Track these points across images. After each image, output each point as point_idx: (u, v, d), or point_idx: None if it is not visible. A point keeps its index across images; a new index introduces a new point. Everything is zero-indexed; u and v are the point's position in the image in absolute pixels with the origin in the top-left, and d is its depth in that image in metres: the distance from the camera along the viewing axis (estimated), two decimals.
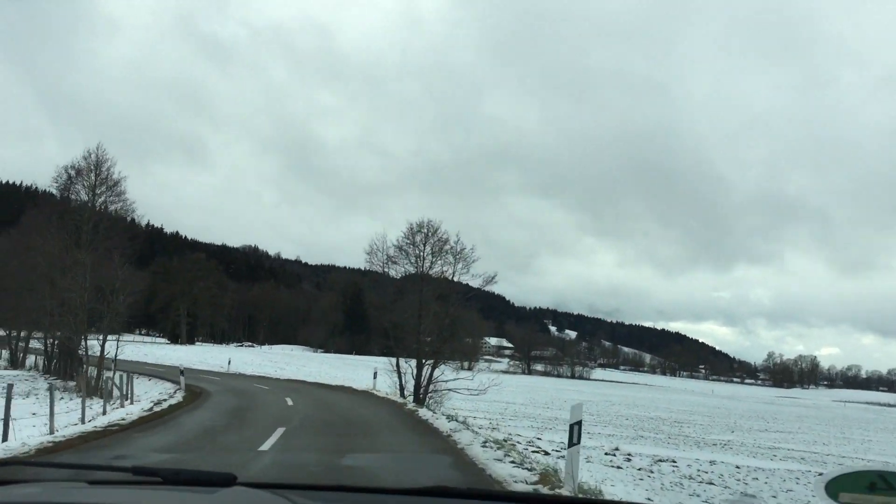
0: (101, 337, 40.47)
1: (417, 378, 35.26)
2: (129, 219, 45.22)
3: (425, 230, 36.23)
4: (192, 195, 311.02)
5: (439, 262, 36.14)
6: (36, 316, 41.54)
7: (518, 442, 25.54)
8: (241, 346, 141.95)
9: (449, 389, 35.15)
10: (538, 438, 30.08)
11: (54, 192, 41.96)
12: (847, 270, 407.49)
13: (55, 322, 39.49)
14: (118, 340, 38.17)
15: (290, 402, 24.82)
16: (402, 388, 35.53)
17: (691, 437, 43.00)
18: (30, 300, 40.24)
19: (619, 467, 21.97)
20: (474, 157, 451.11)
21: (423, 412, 22.25)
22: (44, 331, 45.69)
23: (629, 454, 27.54)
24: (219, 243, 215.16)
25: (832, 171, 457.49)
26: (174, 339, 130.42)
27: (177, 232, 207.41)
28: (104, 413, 22.46)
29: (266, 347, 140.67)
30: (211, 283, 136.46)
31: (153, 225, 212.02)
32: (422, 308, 35.73)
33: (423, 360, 35.58)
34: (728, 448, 37.00)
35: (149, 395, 31.21)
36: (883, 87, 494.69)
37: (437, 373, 35.24)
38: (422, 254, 36.18)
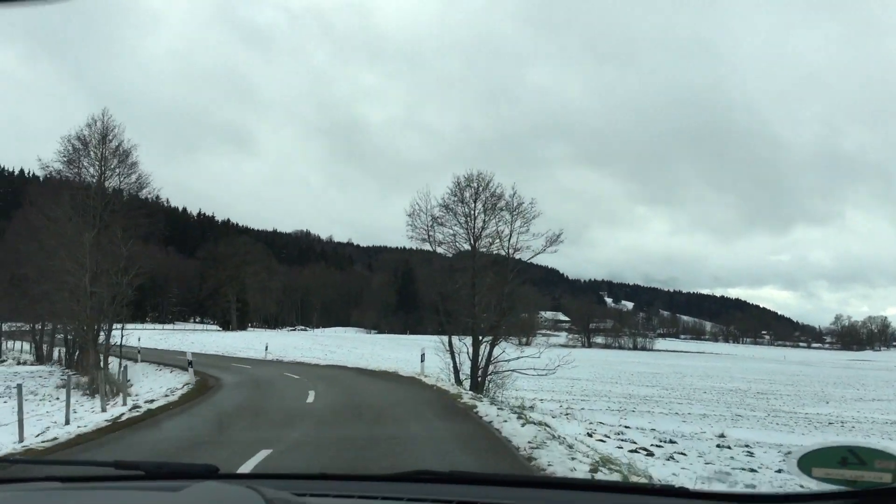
0: (118, 326, 35.57)
1: (474, 359, 29.50)
2: (148, 196, 39.86)
3: (475, 184, 30.35)
4: (242, 183, 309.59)
5: (493, 220, 30.26)
6: (47, 306, 36.61)
7: (606, 436, 19.74)
8: (294, 330, 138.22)
9: (512, 370, 29.35)
10: (625, 426, 24.37)
11: (60, 166, 36.80)
12: None
13: (58, 311, 34.48)
14: (121, 329, 32.97)
15: (309, 400, 19.10)
16: (456, 372, 29.82)
17: (785, 412, 37.27)
18: (41, 288, 35.36)
19: (753, 470, 16.00)
20: (520, 130, 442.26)
21: (484, 408, 16.21)
22: (57, 321, 40.95)
23: (747, 445, 21.50)
24: (270, 229, 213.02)
25: (892, 125, 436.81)
26: (225, 325, 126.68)
27: (228, 219, 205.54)
28: (94, 413, 17.80)
29: (319, 331, 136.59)
30: (259, 268, 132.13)
31: (204, 213, 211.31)
32: (475, 275, 29.93)
33: (480, 338, 29.82)
34: (847, 426, 30.86)
35: (155, 390, 26.23)
36: None
37: (496, 351, 29.48)
38: (472, 212, 30.35)
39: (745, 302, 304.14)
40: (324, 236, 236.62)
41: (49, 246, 33.71)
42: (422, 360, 30.33)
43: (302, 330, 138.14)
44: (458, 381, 29.50)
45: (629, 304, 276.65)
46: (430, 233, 30.69)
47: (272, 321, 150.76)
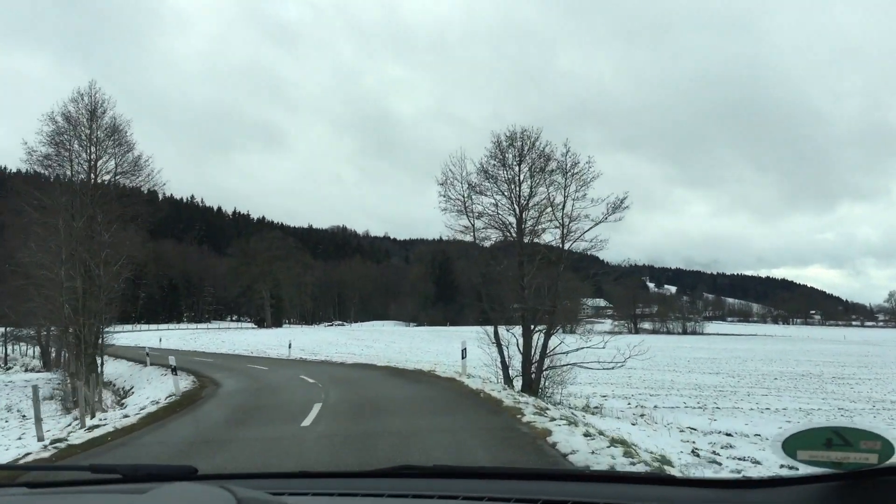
0: (113, 327, 30.70)
1: (526, 353, 24.00)
2: (147, 185, 34.67)
3: (519, 143, 24.72)
4: (276, 181, 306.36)
5: (542, 185, 24.65)
6: (21, 305, 31.67)
7: (715, 454, 14.18)
8: (331, 325, 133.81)
9: (573, 364, 23.81)
10: (724, 433, 18.99)
11: (46, 149, 31.75)
12: None
13: (35, 310, 29.48)
14: (103, 332, 28.00)
15: (307, 422, 13.49)
16: (505, 369, 24.34)
17: (885, 401, 31.83)
18: (16, 284, 30.46)
19: None
20: (551, 116, 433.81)
21: (563, 437, 10.28)
22: (35, 322, 36.09)
23: None
24: (305, 226, 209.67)
25: None
26: (260, 323, 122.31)
27: (263, 217, 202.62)
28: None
29: (356, 325, 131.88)
30: (292, 263, 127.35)
31: (239, 212, 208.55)
32: (522, 251, 24.43)
33: (532, 327, 24.29)
34: None
35: (151, 399, 21.37)
36: None
37: (552, 342, 23.93)
38: (516, 177, 24.78)
39: (791, 282, 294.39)
40: (360, 231, 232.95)
41: (30, 238, 28.80)
42: (462, 357, 24.71)
43: (339, 325, 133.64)
44: (508, 380, 24.05)
45: (672, 289, 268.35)
46: (467, 203, 25.14)
47: (309, 317, 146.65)
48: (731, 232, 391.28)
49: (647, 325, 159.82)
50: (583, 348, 23.46)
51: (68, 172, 30.36)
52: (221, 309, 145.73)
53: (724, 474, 10.19)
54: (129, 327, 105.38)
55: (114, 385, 34.61)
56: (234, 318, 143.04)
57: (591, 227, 23.35)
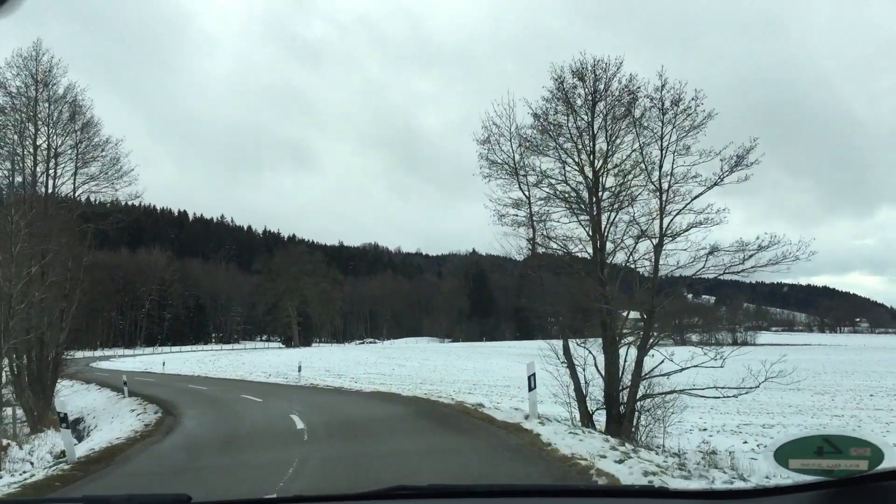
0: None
1: (611, 377, 16.30)
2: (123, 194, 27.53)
3: (591, 78, 17.05)
4: (307, 199, 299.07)
5: (626, 136, 16.98)
6: None
7: None
8: (363, 342, 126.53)
9: (680, 392, 16.13)
10: None
11: None
12: None
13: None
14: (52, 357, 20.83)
15: None
16: (582, 402, 16.60)
17: None
18: None
19: None
20: None
21: None
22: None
23: None
24: (337, 244, 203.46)
25: None
26: (288, 342, 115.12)
27: (293, 235, 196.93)
28: None
29: (388, 343, 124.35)
30: (319, 278, 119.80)
31: (270, 231, 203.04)
32: (596, 218, 16.77)
33: (620, 340, 16.60)
34: None
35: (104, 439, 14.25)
36: None
37: (649, 361, 16.19)
38: (589, 125, 17.12)
39: (833, 289, 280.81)
40: (392, 248, 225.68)
41: None
42: (530, 388, 15.49)
43: (371, 343, 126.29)
44: (588, 418, 16.37)
45: (711, 298, 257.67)
46: (520, 165, 17.52)
47: (339, 335, 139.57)
48: (767, 239, 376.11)
49: (695, 338, 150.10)
50: (691, 366, 15.80)
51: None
52: (250, 329, 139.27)
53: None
54: (139, 350, 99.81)
55: (84, 421, 27.65)
56: (262, 338, 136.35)
57: (702, 192, 15.60)
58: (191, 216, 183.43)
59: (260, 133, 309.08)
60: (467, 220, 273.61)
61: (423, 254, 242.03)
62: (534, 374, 14.64)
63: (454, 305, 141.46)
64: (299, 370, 33.72)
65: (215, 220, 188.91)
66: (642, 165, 16.11)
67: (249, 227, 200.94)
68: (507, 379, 53.89)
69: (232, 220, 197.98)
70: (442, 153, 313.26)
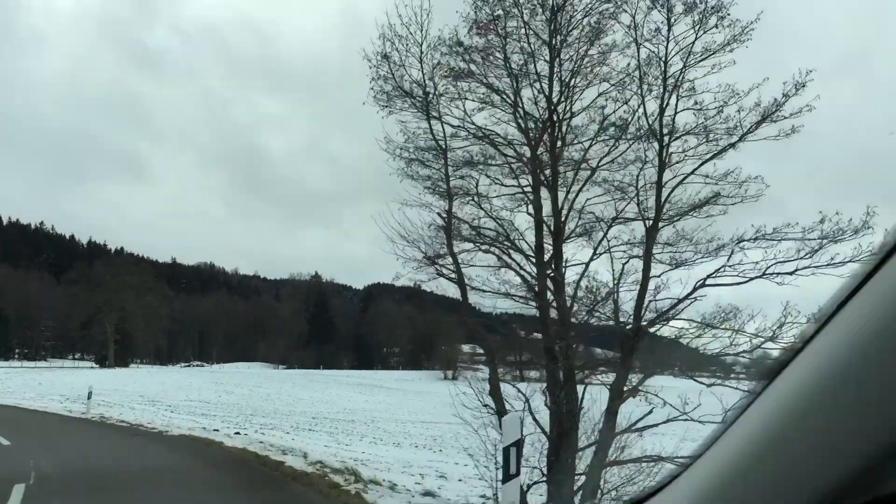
0: None
1: (560, 433, 9.99)
2: None
3: None
4: (139, 213, 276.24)
5: (595, 47, 10.97)
6: None
7: None
8: (189, 365, 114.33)
9: (652, 460, 10.07)
10: None
11: None
12: None
13: None
14: None
15: None
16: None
17: None
18: None
19: None
20: None
21: None
22: None
23: None
24: (169, 261, 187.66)
25: None
26: (101, 361, 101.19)
27: (122, 248, 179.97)
28: None
29: (217, 367, 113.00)
30: (144, 292, 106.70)
31: (95, 241, 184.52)
32: (550, 182, 10.60)
33: (576, 371, 10.34)
34: None
35: None
36: None
37: (629, 411, 10.01)
38: (550, 36, 10.96)
39: None
40: (229, 269, 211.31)
41: None
42: (507, 476, 7.49)
43: (198, 366, 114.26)
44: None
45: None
46: (433, 98, 11.06)
47: (164, 356, 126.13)
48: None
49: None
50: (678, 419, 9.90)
51: None
52: (61, 345, 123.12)
53: None
54: None
55: None
56: (77, 356, 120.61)
57: (727, 147, 9.74)
58: (5, 220, 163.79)
59: (90, 139, 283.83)
60: (309, 245, 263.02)
61: (262, 276, 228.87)
62: (519, 443, 7.76)
63: (293, 330, 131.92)
64: (89, 397, 25.20)
65: (33, 225, 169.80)
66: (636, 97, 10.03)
67: (72, 236, 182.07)
68: (350, 412, 46.97)
69: (52, 228, 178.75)
70: (286, 176, 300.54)
